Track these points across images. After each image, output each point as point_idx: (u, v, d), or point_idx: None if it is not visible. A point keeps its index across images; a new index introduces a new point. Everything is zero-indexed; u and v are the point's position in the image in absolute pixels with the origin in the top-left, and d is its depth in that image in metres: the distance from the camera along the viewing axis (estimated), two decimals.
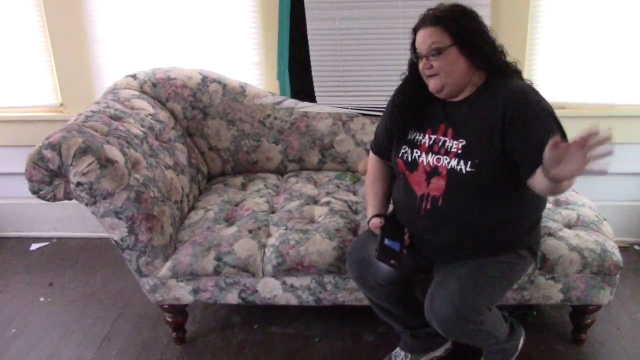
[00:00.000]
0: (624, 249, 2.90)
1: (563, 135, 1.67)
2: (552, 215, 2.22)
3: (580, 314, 2.22)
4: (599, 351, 2.25)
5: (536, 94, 1.74)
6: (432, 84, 1.77)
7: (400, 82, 1.92)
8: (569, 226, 2.20)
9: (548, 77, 2.80)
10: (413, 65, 1.84)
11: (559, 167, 1.43)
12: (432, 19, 1.73)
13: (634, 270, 2.79)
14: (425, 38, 1.73)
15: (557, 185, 1.53)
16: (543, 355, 2.23)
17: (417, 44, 1.77)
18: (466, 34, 1.72)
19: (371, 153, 2.07)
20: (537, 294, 2.10)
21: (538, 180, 1.59)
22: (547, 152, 1.44)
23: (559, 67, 2.80)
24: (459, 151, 1.74)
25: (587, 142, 1.33)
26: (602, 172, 1.35)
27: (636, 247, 3.01)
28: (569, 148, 1.37)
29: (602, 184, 2.94)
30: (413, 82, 1.86)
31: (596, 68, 2.78)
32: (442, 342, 2.16)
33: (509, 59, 1.80)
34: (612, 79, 2.79)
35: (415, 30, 1.79)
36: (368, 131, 2.70)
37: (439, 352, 2.17)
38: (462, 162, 1.73)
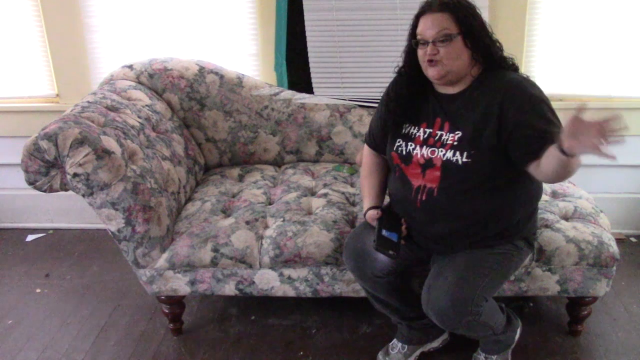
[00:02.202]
0: (620, 241, 2.91)
1: (558, 124, 1.68)
2: (549, 207, 2.22)
3: (577, 306, 2.23)
4: (595, 342, 2.26)
5: (533, 85, 1.74)
6: (433, 71, 1.74)
7: (395, 74, 1.91)
8: (566, 218, 2.20)
9: (546, 69, 2.80)
10: (411, 54, 1.81)
11: (574, 140, 1.42)
12: (440, 4, 1.71)
13: (630, 262, 2.80)
14: (434, 23, 1.70)
15: (569, 162, 1.51)
16: (539, 346, 2.24)
17: (421, 30, 1.74)
18: (472, 25, 1.71)
19: (365, 146, 2.07)
20: (534, 285, 2.11)
21: (549, 159, 1.58)
22: (569, 123, 1.43)
23: (557, 59, 2.80)
24: (455, 142, 1.74)
25: (606, 125, 1.33)
26: (612, 157, 1.36)
27: (632, 239, 3.02)
28: (592, 123, 1.37)
29: (599, 176, 2.95)
30: (409, 73, 1.84)
31: (594, 60, 2.78)
32: (439, 333, 2.17)
33: (506, 54, 1.80)
34: (610, 71, 2.79)
35: (418, 16, 1.76)
36: (365, 123, 2.69)
37: (435, 344, 2.18)
38: (457, 154, 1.73)
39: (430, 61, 1.73)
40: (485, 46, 1.74)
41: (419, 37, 1.75)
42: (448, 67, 1.72)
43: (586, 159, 2.95)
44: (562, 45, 2.77)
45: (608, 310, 2.44)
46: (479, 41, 1.73)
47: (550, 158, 1.57)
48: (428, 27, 1.71)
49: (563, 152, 1.47)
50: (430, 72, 1.75)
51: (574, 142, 1.42)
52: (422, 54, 1.75)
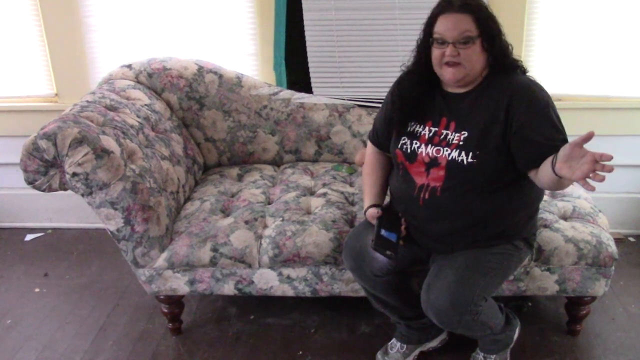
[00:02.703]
0: (619, 241, 2.91)
1: (562, 131, 1.71)
2: (547, 207, 2.22)
3: (575, 305, 2.23)
4: (594, 342, 2.27)
5: (541, 90, 1.75)
6: (451, 73, 1.72)
7: (402, 72, 1.90)
8: (565, 218, 2.20)
9: (544, 69, 2.80)
10: (424, 52, 1.78)
11: (566, 163, 1.49)
12: (461, 5, 1.69)
13: (629, 261, 2.80)
14: (456, 24, 1.68)
15: (559, 180, 1.56)
16: (538, 346, 2.24)
17: (441, 30, 1.70)
18: (490, 27, 1.71)
19: (369, 143, 2.07)
20: (533, 285, 2.11)
21: (543, 172, 1.63)
22: (568, 146, 1.49)
23: (555, 59, 2.80)
24: (461, 142, 1.74)
25: (601, 159, 1.41)
26: (591, 189, 1.45)
27: (631, 238, 3.02)
28: (587, 154, 1.43)
29: None
30: (421, 71, 1.82)
31: (592, 60, 2.78)
32: (438, 332, 2.17)
33: (514, 55, 1.81)
34: (608, 71, 2.79)
35: (436, 15, 1.72)
36: (364, 122, 2.69)
37: (434, 343, 2.18)
38: (463, 154, 1.73)
39: (449, 62, 1.71)
40: (500, 49, 1.74)
41: (437, 35, 1.72)
42: (466, 69, 1.71)
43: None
44: (561, 45, 2.77)
45: (606, 310, 2.44)
46: (495, 44, 1.72)
47: (544, 170, 1.62)
48: (449, 28, 1.69)
49: (554, 168, 1.53)
50: (448, 74, 1.73)
51: (565, 166, 1.49)
52: (439, 54, 1.72)
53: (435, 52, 1.74)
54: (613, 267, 2.09)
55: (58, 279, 2.79)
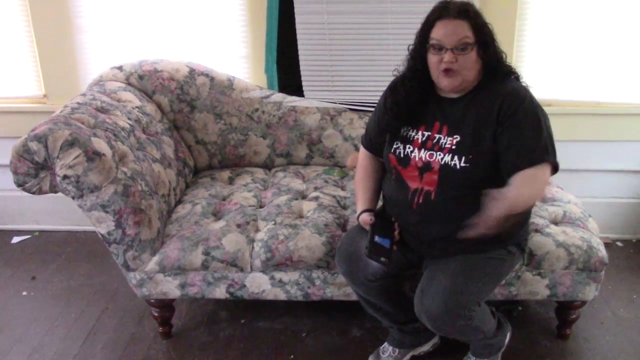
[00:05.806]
0: (607, 245, 2.92)
1: (548, 146, 1.72)
2: (538, 212, 2.24)
3: (566, 310, 2.25)
4: (583, 346, 2.28)
5: (531, 98, 1.75)
6: (449, 81, 1.73)
7: (396, 77, 1.90)
8: (556, 223, 2.22)
9: (535, 74, 2.81)
10: (420, 58, 1.78)
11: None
12: (458, 11, 1.69)
13: (617, 266, 2.83)
14: (454, 30, 1.68)
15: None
16: (529, 350, 2.25)
17: (439, 35, 1.70)
18: (486, 34, 1.72)
19: (362, 148, 2.07)
20: (524, 289, 2.12)
21: None
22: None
23: (546, 64, 2.82)
24: (453, 147, 1.75)
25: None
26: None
27: (619, 243, 3.05)
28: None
29: (586, 180, 2.98)
30: (416, 77, 1.81)
31: (582, 66, 2.80)
32: (430, 337, 2.17)
33: (508, 63, 1.82)
34: (598, 77, 2.81)
35: (433, 21, 1.72)
36: (356, 126, 2.69)
37: (426, 347, 2.18)
38: (456, 158, 1.74)
39: (447, 71, 1.71)
40: (494, 56, 1.75)
41: (434, 41, 1.72)
42: (463, 77, 1.72)
43: (572, 163, 2.99)
44: (552, 50, 2.79)
45: (596, 314, 2.46)
46: (489, 50, 1.73)
47: None
48: (447, 34, 1.69)
49: None
50: (445, 82, 1.74)
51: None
52: (436, 59, 1.72)
53: (433, 59, 1.74)
54: (603, 272, 2.11)
55: (46, 282, 2.76)
